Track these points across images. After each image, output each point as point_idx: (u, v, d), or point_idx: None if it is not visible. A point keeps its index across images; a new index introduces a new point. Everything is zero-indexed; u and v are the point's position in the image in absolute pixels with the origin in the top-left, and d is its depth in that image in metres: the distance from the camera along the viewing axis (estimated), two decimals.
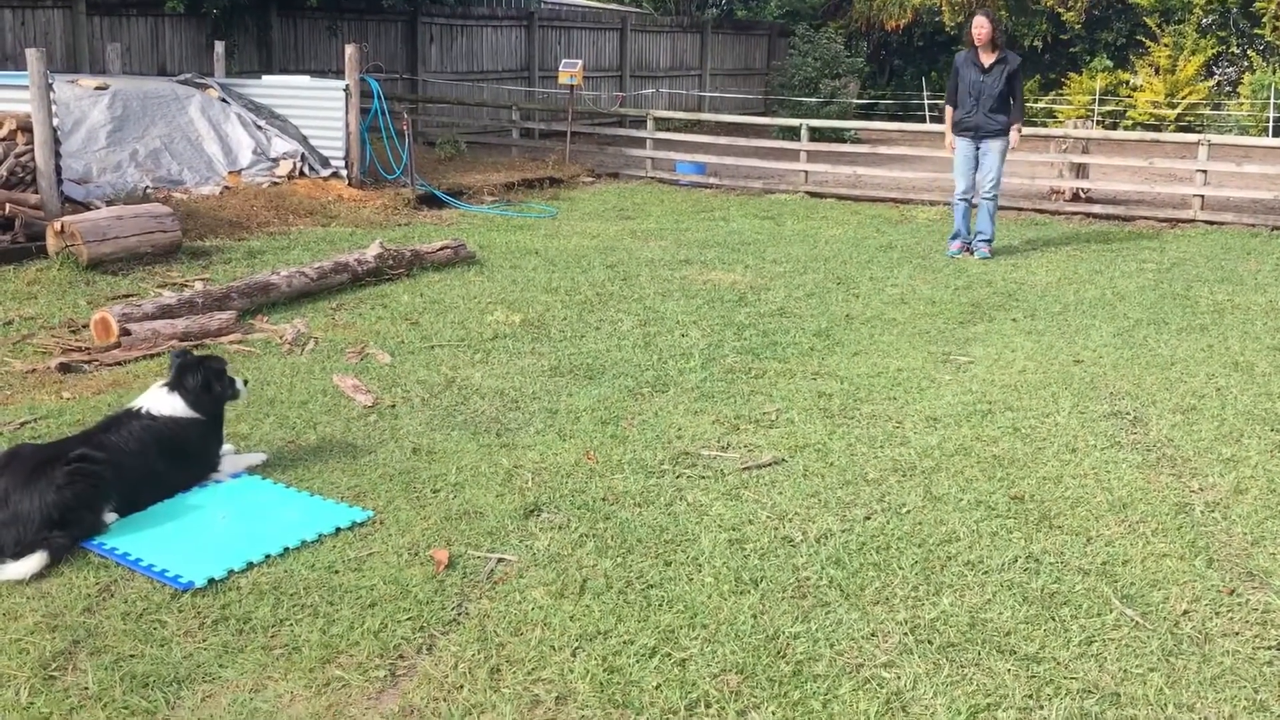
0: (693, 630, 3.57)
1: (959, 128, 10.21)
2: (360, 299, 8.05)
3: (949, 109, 10.36)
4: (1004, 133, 10.06)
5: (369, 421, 5.46)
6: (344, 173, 12.77)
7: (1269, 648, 3.57)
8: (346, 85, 12.64)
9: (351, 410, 5.62)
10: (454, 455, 5.01)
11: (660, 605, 3.72)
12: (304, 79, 13.91)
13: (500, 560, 4.03)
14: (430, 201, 12.89)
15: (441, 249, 9.28)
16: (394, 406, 5.69)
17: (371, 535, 4.21)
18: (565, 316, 7.64)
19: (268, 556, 4.01)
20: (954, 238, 10.49)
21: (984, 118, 10.00)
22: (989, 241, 10.35)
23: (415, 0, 18.84)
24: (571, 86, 16.35)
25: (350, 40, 15.18)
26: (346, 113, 12.65)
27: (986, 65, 9.95)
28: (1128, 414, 5.81)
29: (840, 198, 14.25)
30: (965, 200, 10.36)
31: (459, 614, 3.66)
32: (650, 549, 4.13)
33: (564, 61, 17.14)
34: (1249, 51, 23.21)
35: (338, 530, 4.22)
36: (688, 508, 4.52)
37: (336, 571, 3.93)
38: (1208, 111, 22.42)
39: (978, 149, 10.17)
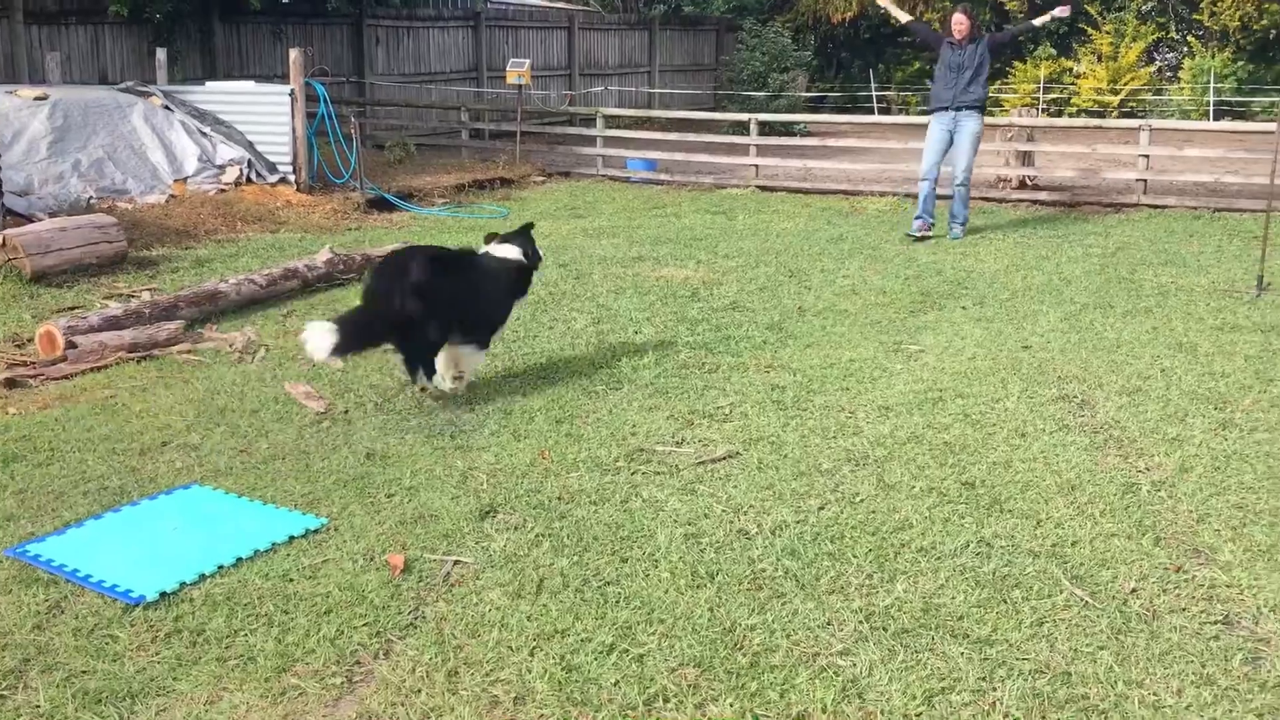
0: (650, 626, 3.58)
1: (935, 106, 10.79)
2: (311, 305, 7.99)
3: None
4: (978, 108, 10.62)
5: (322, 428, 5.42)
6: (292, 178, 12.66)
7: (1215, 622, 3.64)
8: (291, 90, 12.54)
9: (304, 417, 5.58)
10: (408, 459, 4.99)
11: (617, 602, 3.73)
12: (248, 85, 13.78)
13: (456, 563, 4.02)
14: (380, 205, 12.81)
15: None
16: (347, 412, 5.66)
17: (326, 542, 4.18)
18: (518, 316, 7.61)
19: (220, 567, 3.98)
20: (918, 216, 10.91)
21: (962, 91, 10.59)
22: (964, 224, 10.95)
23: (360, 3, 18.70)
24: (520, 86, 16.32)
25: (294, 45, 15.04)
26: (292, 118, 12.54)
27: (963, 45, 10.64)
28: (1075, 397, 5.89)
29: (791, 191, 14.31)
30: (929, 180, 10.80)
31: (416, 618, 3.65)
32: (606, 546, 4.14)
33: (512, 61, 17.10)
34: (1188, 37, 23.56)
35: (291, 538, 4.20)
36: (643, 504, 4.53)
37: (291, 579, 3.90)
38: (1150, 97, 22.75)
39: (952, 132, 10.67)
